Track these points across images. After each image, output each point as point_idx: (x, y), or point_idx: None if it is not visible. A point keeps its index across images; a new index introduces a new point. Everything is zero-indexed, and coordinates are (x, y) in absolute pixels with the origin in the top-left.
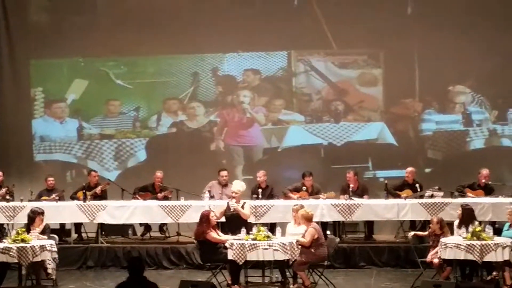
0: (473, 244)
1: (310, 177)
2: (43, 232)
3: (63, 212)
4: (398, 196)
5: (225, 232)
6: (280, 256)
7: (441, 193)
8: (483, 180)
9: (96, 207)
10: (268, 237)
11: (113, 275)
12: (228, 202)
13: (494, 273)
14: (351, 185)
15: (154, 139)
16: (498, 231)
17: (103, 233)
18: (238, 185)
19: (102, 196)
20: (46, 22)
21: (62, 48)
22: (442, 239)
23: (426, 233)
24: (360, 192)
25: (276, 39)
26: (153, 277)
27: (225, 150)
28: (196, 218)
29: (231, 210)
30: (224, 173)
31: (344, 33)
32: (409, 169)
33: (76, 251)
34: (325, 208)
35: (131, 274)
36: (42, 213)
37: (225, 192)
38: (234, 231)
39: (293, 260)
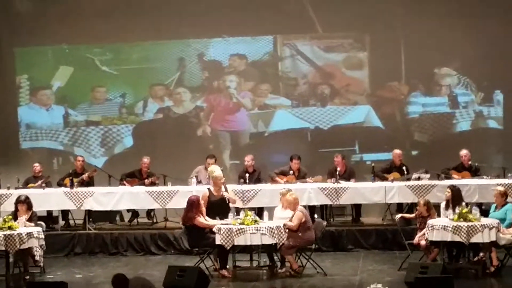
0: (460, 226)
1: (298, 160)
2: (30, 220)
3: (50, 199)
4: (386, 179)
5: (210, 218)
6: (268, 240)
7: (428, 175)
8: (467, 161)
9: (83, 193)
10: (255, 221)
11: (101, 261)
12: (208, 188)
13: (481, 254)
14: (338, 169)
15: (140, 125)
16: (484, 213)
17: (91, 219)
18: (220, 171)
19: (89, 182)
20: (31, 9)
21: (47, 35)
22: (429, 221)
23: (413, 215)
24: (347, 175)
25: (261, 23)
26: (141, 263)
27: (212, 135)
28: (183, 204)
29: (221, 197)
30: (211, 160)
31: (329, 17)
32: (396, 151)
33: (64, 238)
34: (313, 192)
35: None
36: (23, 202)
37: None
38: (220, 217)
39: (280, 244)
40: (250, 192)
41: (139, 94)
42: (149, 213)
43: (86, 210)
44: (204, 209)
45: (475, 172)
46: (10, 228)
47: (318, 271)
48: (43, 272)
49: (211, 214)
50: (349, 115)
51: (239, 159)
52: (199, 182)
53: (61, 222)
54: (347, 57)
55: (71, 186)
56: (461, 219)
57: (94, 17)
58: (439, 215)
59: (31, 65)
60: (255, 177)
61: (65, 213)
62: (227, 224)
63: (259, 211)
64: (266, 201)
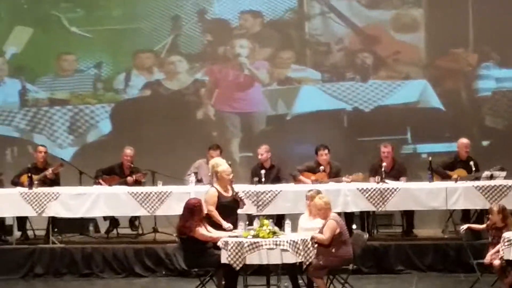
0: None
1: (325, 150)
2: None
3: (1, 203)
4: (447, 177)
5: (216, 227)
6: (290, 259)
7: (504, 173)
8: None
9: (46, 195)
10: (274, 233)
11: (69, 285)
12: (214, 187)
13: None
14: (385, 164)
15: (121, 105)
16: None
17: (56, 230)
18: (226, 164)
19: (54, 181)
20: None
21: None
22: (505, 234)
23: (483, 226)
24: (396, 173)
25: None
26: None
27: (216, 119)
28: (178, 210)
29: (233, 198)
30: (215, 152)
31: None
32: (462, 141)
33: (20, 254)
34: (350, 194)
35: None
36: None
37: None
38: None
39: (307, 263)
40: (266, 194)
41: (119, 64)
42: (133, 221)
43: (49, 217)
44: (216, 214)
45: None
46: None
47: None
48: None
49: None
50: (398, 92)
51: (252, 150)
52: (199, 180)
53: (17, 234)
54: (397, 15)
55: (30, 185)
56: None
57: None
58: None
59: None
60: (274, 174)
61: (22, 221)
62: (236, 236)
63: (278, 220)
64: (288, 206)
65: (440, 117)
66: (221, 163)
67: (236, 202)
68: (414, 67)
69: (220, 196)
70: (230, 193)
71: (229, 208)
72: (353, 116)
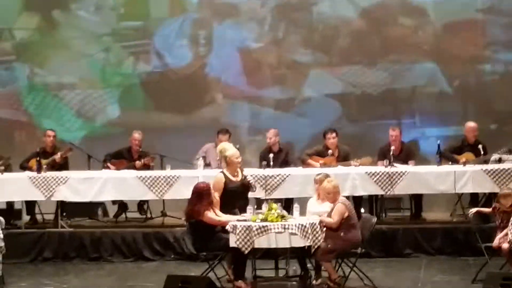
0: None
1: (333, 134)
2: None
3: (10, 187)
4: (456, 162)
5: (224, 212)
6: (299, 242)
7: None
8: None
9: (55, 180)
10: (282, 217)
11: (78, 268)
12: (222, 172)
13: None
14: (393, 148)
15: (129, 89)
16: None
17: (64, 214)
18: (234, 148)
19: (62, 165)
20: None
21: None
22: None
23: (491, 209)
24: (404, 156)
25: None
26: (131, 272)
27: (224, 103)
28: (187, 193)
29: (242, 182)
30: (224, 136)
31: None
32: (470, 125)
33: (29, 238)
34: (358, 178)
35: None
36: None
37: None
38: (240, 210)
39: (316, 247)
40: (275, 178)
41: (127, 48)
42: (142, 205)
43: (58, 201)
44: (217, 201)
45: None
46: None
47: (366, 283)
48: (2, 283)
49: (228, 206)
50: (407, 76)
51: (260, 134)
52: (207, 164)
53: (26, 218)
54: None
55: (39, 169)
56: None
57: None
58: None
59: None
60: (282, 158)
61: (30, 205)
62: (245, 220)
63: (287, 204)
64: (296, 190)
65: (448, 100)
66: (228, 148)
67: (245, 186)
68: (422, 50)
69: (228, 181)
70: (239, 178)
71: (237, 193)
72: (361, 99)
